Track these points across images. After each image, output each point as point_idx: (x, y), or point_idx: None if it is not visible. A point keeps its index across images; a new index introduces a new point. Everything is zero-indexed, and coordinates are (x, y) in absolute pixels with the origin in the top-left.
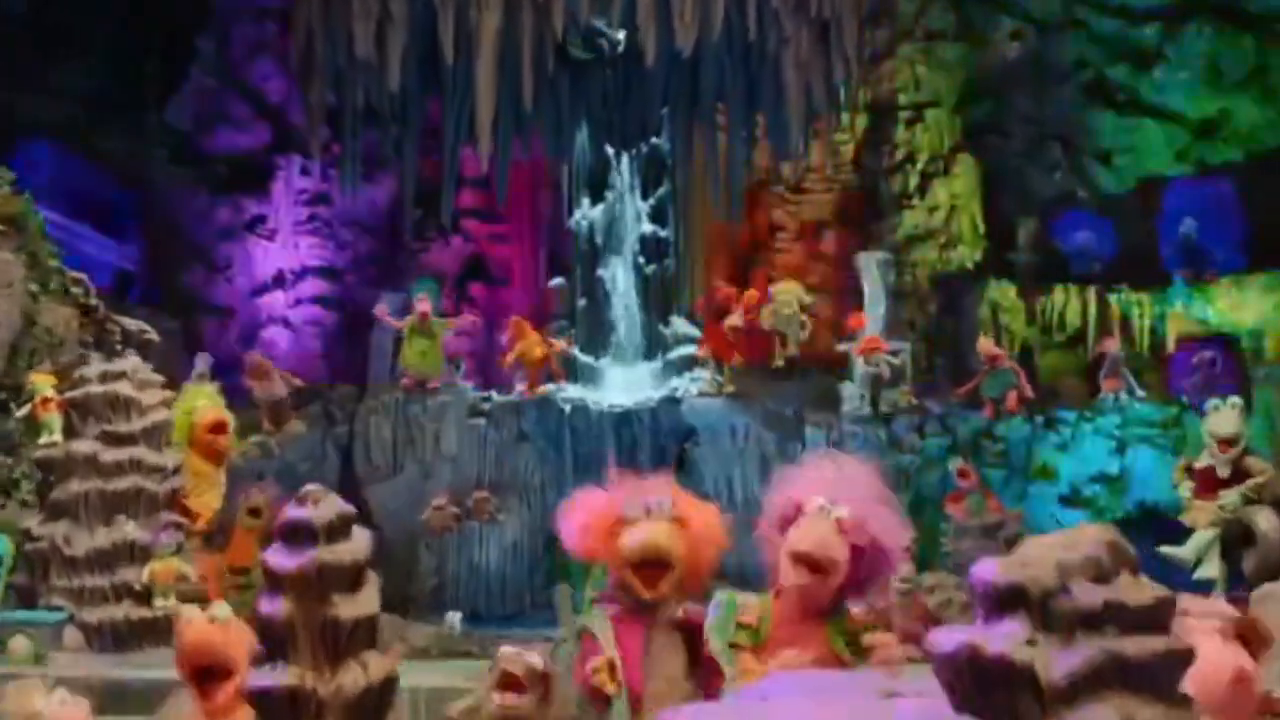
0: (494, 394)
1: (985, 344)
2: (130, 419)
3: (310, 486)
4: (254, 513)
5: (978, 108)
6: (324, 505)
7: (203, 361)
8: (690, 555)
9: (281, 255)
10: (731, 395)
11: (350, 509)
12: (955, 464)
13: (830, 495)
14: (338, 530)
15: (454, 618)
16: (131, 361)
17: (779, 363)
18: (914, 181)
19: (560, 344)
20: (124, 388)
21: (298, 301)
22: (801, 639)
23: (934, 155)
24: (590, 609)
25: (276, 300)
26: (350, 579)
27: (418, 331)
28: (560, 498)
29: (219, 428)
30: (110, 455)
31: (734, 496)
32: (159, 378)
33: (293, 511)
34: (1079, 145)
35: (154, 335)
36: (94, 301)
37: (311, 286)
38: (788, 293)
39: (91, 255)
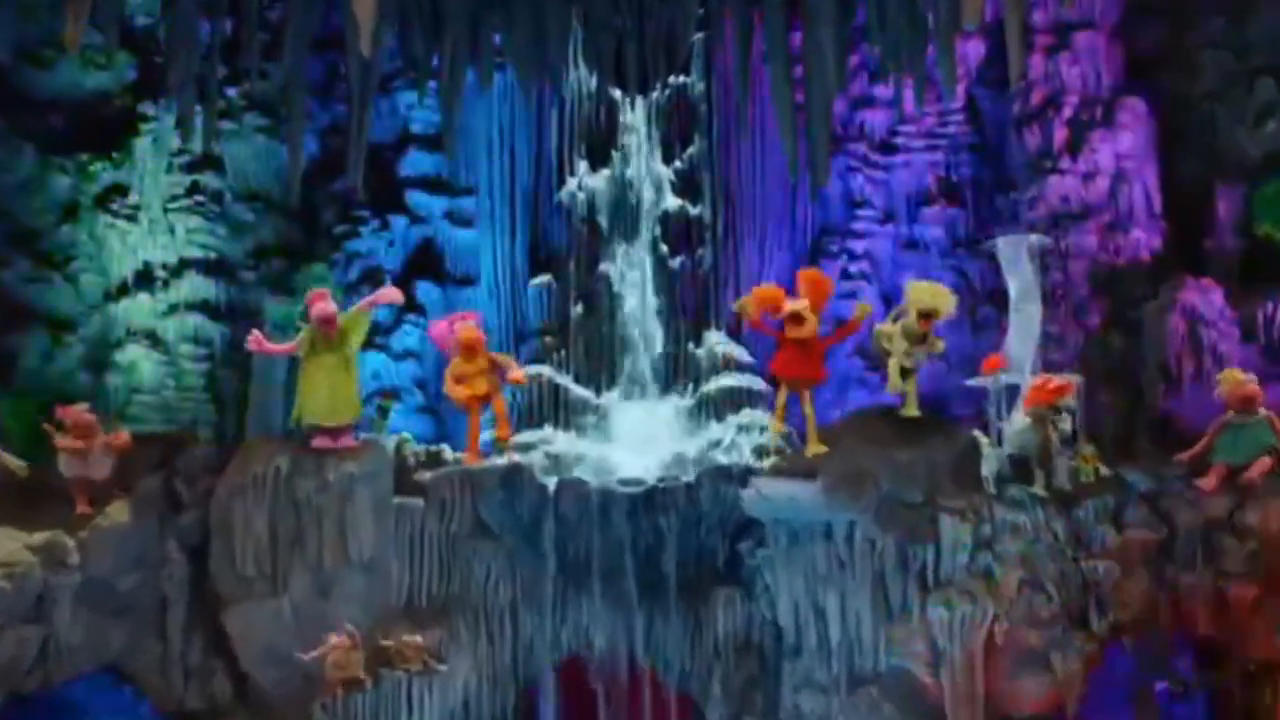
0: (447, 449)
1: (1234, 378)
2: None
3: None
4: None
5: (1150, 30)
6: None
7: None
8: None
9: (149, 243)
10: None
11: None
12: None
13: None
14: None
15: None
16: None
17: (913, 412)
18: (1060, 136)
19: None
20: None
21: (171, 309)
22: None
23: (1088, 99)
24: None
25: (140, 307)
26: None
27: (320, 348)
28: (539, 625)
29: None
30: None
31: (827, 645)
32: None
33: None
34: None
35: None
36: None
37: (192, 287)
38: (935, 300)
39: None
